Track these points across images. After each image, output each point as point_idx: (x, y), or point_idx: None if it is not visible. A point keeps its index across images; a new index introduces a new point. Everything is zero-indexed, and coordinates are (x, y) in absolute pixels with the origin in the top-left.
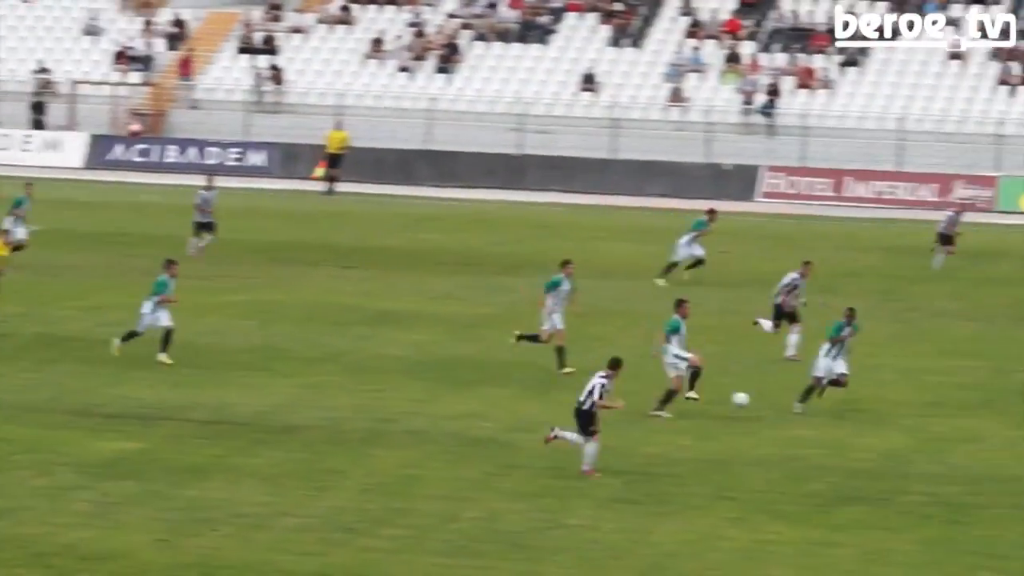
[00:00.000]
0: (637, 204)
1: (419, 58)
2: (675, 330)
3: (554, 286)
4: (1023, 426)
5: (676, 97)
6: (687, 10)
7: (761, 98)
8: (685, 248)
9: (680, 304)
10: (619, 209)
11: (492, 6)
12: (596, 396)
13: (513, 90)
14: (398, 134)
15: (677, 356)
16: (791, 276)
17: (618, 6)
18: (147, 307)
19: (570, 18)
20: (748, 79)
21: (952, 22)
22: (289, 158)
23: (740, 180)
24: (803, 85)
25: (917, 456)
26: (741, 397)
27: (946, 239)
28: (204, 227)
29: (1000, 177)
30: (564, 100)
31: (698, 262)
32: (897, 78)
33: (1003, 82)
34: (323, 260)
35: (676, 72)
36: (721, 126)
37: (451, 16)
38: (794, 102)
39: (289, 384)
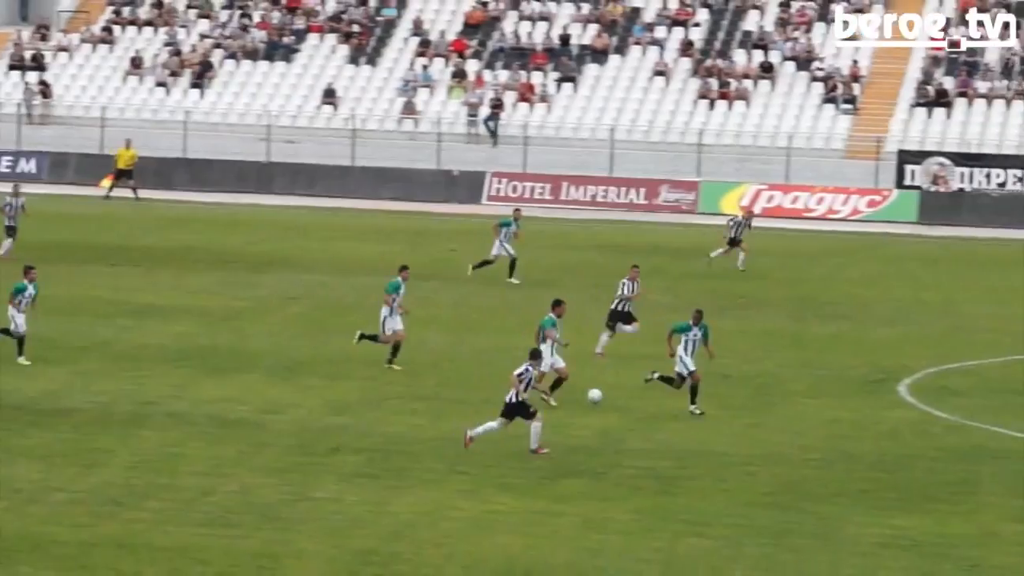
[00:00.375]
0: (374, 207)
1: (175, 75)
2: (547, 326)
3: (395, 289)
4: (723, 406)
5: (408, 110)
6: (417, 31)
7: (485, 111)
8: (506, 249)
9: (557, 304)
10: (358, 212)
11: (242, 28)
12: (525, 383)
13: (261, 104)
14: (157, 144)
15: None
16: (622, 281)
17: (355, 27)
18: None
19: (312, 38)
20: (474, 94)
21: (656, 42)
22: (57, 165)
23: (468, 185)
24: (524, 99)
25: (630, 434)
26: (595, 394)
27: (735, 242)
28: (9, 231)
29: (701, 182)
30: (307, 113)
31: (487, 262)
32: (608, 93)
33: (703, 96)
34: (90, 259)
35: (408, 87)
36: (449, 136)
37: (204, 36)
38: (516, 115)
39: (60, 371)
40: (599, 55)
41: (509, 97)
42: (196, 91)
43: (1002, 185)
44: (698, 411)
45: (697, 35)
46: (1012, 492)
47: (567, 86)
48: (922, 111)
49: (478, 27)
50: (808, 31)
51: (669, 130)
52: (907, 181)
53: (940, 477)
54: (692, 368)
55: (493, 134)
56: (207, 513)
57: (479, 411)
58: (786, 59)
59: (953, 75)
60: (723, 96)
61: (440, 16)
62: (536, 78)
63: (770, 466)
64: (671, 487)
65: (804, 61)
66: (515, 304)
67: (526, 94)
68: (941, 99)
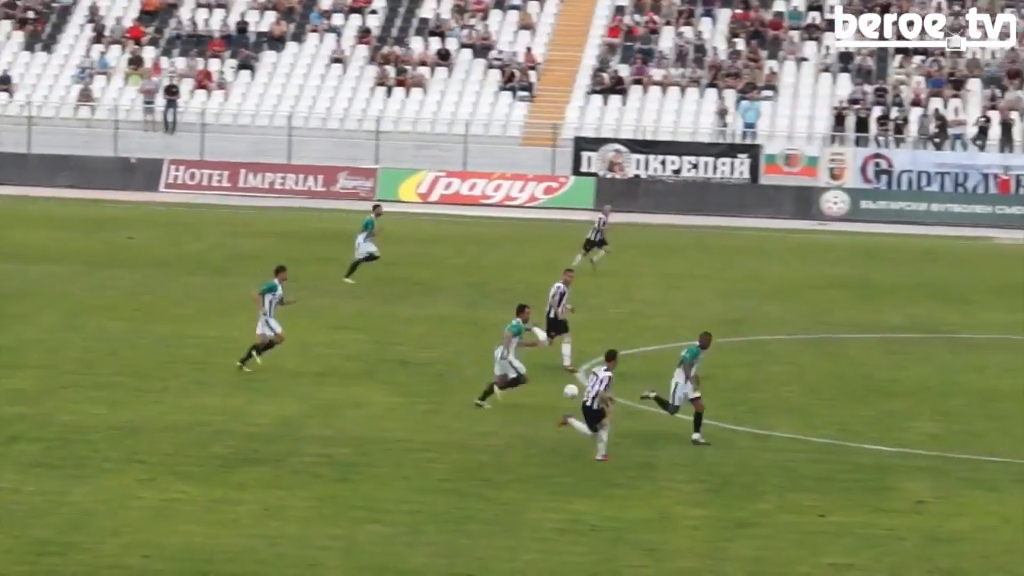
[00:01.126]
0: (50, 195)
1: None
2: (517, 332)
3: (270, 290)
4: (402, 393)
5: (85, 97)
6: (93, 18)
7: (162, 98)
8: (364, 246)
9: (521, 309)
10: (34, 199)
11: None
12: (602, 388)
13: None
14: None
15: (511, 362)
16: (556, 286)
17: (30, 14)
18: None
19: None
20: (150, 81)
21: (333, 29)
22: None
23: (145, 173)
24: (201, 86)
25: (309, 421)
26: (571, 389)
27: (594, 243)
28: None
29: (379, 169)
30: None
31: (371, 258)
32: (286, 80)
33: (380, 83)
34: None
35: (85, 74)
36: (126, 123)
37: None
38: (193, 102)
39: None
40: (276, 42)
41: (186, 84)
42: None
43: (677, 172)
44: (703, 440)
45: (374, 22)
46: (688, 476)
47: (244, 73)
48: (598, 98)
49: (155, 14)
50: (485, 18)
51: (347, 117)
52: (583, 168)
53: (618, 462)
54: (696, 395)
55: (167, 124)
56: None
57: (159, 400)
58: (463, 46)
59: (628, 62)
60: (400, 83)
61: (116, 3)
62: (213, 65)
63: (449, 452)
64: (350, 474)
65: (481, 48)
66: (193, 292)
67: (203, 81)
68: (617, 86)
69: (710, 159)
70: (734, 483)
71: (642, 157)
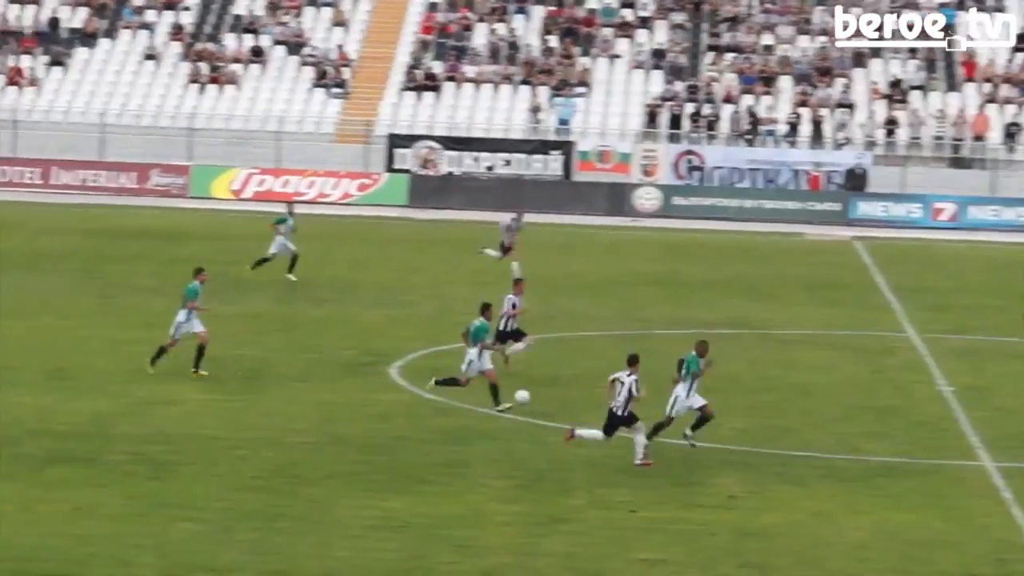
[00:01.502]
0: None
1: None
2: (484, 331)
3: (193, 294)
4: (214, 391)
5: None
6: None
7: None
8: (287, 245)
9: (485, 308)
10: None
11: None
12: (635, 393)
13: None
14: None
15: (472, 361)
16: (508, 298)
17: None
18: None
19: None
20: None
21: (146, 26)
22: None
23: None
24: (12, 83)
25: (121, 419)
26: (523, 395)
27: (507, 248)
28: None
29: (192, 166)
30: None
31: (265, 260)
32: (98, 76)
33: (194, 80)
34: None
35: None
36: None
37: None
38: (4, 99)
39: None
40: (89, 38)
41: None
42: None
43: (490, 168)
44: (692, 439)
45: (187, 19)
46: (499, 473)
47: (56, 69)
48: (411, 95)
49: None
50: (298, 15)
51: (160, 114)
52: (397, 165)
53: (430, 459)
54: (703, 402)
55: None
56: None
57: None
58: (276, 43)
59: (442, 59)
60: (214, 80)
61: None
62: (25, 61)
63: (261, 449)
64: (162, 472)
65: (294, 45)
66: (1, 290)
67: (14, 77)
68: (430, 83)
69: (523, 156)
70: (546, 479)
71: (455, 154)
